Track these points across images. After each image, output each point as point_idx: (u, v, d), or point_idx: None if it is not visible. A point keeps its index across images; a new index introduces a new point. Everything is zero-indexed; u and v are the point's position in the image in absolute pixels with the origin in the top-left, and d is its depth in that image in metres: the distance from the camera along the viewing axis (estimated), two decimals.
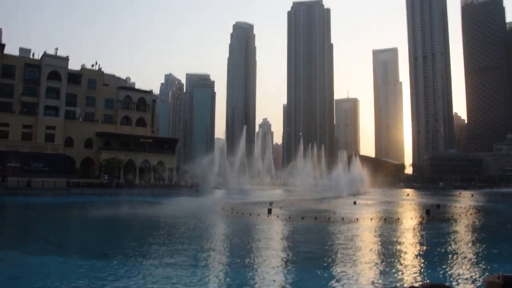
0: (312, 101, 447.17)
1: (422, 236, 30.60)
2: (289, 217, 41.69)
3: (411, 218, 43.01)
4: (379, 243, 26.47)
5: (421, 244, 26.75)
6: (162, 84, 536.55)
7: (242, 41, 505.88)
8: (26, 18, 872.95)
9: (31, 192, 74.08)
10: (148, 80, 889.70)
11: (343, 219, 40.47)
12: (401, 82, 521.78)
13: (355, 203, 65.56)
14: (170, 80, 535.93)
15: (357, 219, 40.65)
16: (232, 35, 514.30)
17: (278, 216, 42.23)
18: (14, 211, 50.67)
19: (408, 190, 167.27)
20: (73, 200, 65.34)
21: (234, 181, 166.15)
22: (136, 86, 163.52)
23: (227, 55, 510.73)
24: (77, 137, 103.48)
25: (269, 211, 45.82)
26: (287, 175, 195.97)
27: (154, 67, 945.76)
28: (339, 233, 30.86)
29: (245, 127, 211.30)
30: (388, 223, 37.95)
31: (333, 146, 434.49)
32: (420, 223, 38.75)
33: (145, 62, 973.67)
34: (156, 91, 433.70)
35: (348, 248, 24.17)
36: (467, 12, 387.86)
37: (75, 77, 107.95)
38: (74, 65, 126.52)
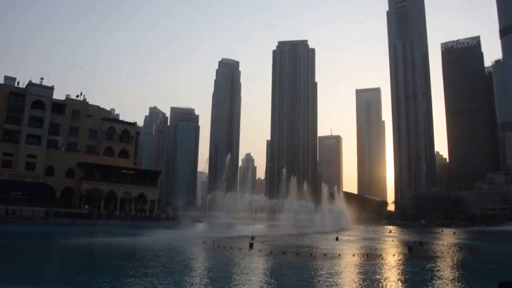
0: (296, 137, 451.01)
1: (404, 273, 30.37)
2: (271, 252, 41.12)
3: (393, 255, 42.73)
4: (361, 280, 26.15)
5: (403, 281, 26.50)
6: (146, 116, 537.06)
7: (228, 77, 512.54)
8: (11, 46, 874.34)
9: (8, 221, 72.10)
10: (132, 112, 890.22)
11: (325, 255, 39.95)
12: (384, 121, 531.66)
13: (337, 239, 65.07)
14: (154, 113, 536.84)
15: (339, 255, 40.16)
16: (217, 71, 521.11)
17: (259, 251, 41.59)
18: None
19: (391, 227, 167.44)
20: (51, 230, 63.77)
21: (215, 215, 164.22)
22: (120, 118, 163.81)
23: (212, 90, 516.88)
24: (58, 166, 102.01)
25: (251, 245, 45.13)
26: (270, 211, 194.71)
27: (139, 100, 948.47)
28: (321, 269, 30.41)
29: (227, 159, 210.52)
30: (370, 260, 37.59)
31: (316, 181, 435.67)
32: (403, 260, 38.46)
33: (129, 94, 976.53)
34: (140, 123, 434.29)
35: (328, 285, 23.81)
36: (447, 56, 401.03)
37: (60, 106, 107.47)
38: (59, 95, 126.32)
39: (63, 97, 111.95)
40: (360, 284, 24.29)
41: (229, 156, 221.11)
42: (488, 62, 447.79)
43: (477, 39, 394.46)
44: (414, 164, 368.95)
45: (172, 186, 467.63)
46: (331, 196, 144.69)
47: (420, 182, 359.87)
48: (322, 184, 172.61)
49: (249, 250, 42.21)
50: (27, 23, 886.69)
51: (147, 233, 66.88)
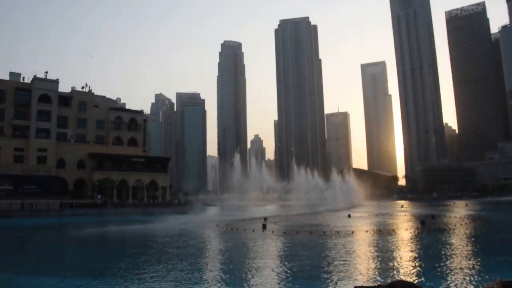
0: (303, 116, 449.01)
1: (418, 247, 30.42)
2: (284, 232, 41.38)
3: (406, 230, 42.85)
4: (376, 256, 26.21)
5: (417, 255, 26.56)
6: (152, 104, 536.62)
7: (231, 59, 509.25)
8: (12, 41, 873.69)
9: (24, 214, 73.18)
10: (139, 100, 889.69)
11: (338, 232, 40.14)
12: (390, 95, 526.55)
13: (349, 216, 65.28)
14: (160, 99, 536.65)
15: (352, 232, 40.35)
16: (220, 53, 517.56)
17: (273, 231, 41.89)
18: (8, 233, 49.90)
19: (402, 202, 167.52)
20: (67, 221, 64.61)
21: (227, 198, 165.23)
22: (127, 107, 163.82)
23: (216, 73, 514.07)
24: (69, 159, 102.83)
25: (264, 226, 45.49)
26: (281, 191, 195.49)
27: (144, 87, 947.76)
28: (335, 247, 30.52)
29: (238, 148, 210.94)
30: (384, 235, 37.71)
31: (325, 160, 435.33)
32: (416, 234, 38.57)
33: (134, 82, 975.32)
34: (147, 111, 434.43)
35: (344, 262, 23.91)
36: (452, 25, 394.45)
37: (66, 99, 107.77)
38: (63, 88, 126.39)
39: (68, 90, 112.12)
40: (375, 260, 24.36)
41: (236, 142, 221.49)
42: (494, 28, 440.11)
43: (482, 5, 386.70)
44: (423, 137, 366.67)
45: (182, 171, 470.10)
46: (341, 173, 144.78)
47: (430, 155, 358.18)
48: (332, 161, 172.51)
49: (263, 231, 42.48)
50: (18, 15, 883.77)
51: (160, 219, 67.52)
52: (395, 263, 23.27)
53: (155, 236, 42.36)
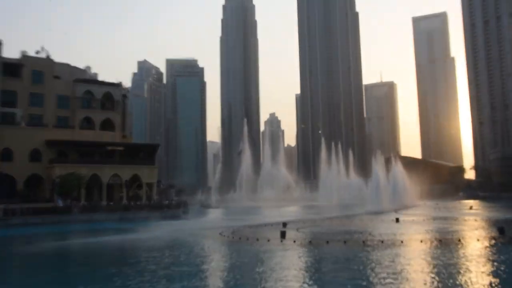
0: (334, 88, 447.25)
1: (496, 265, 29.66)
2: (310, 242, 41.43)
3: (478, 240, 42.03)
4: (435, 276, 25.48)
5: (496, 277, 25.77)
6: (134, 74, 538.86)
7: (239, 14, 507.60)
8: None
9: None
10: (116, 69, 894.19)
11: (382, 242, 39.87)
12: (453, 58, 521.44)
13: (397, 220, 65.28)
14: (145, 68, 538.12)
15: (402, 241, 40.04)
16: (224, 7, 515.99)
17: (294, 241, 41.72)
18: None
19: (471, 202, 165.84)
20: (13, 233, 64.25)
21: (234, 197, 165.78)
22: (100, 78, 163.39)
23: (219, 33, 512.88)
24: (18, 148, 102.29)
25: (283, 234, 45.21)
26: (306, 188, 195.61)
27: (124, 53, 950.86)
28: (379, 262, 30.02)
29: (245, 127, 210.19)
30: (445, 247, 37.10)
31: (364, 146, 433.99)
32: (491, 247, 37.86)
33: (111, 47, 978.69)
34: (127, 83, 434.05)
35: (392, 285, 23.30)
36: None
37: (14, 67, 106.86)
38: (10, 52, 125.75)
39: (17, 55, 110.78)
40: (436, 283, 23.66)
41: (246, 123, 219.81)
42: None
43: None
44: (500, 113, 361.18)
45: (175, 163, 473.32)
46: (386, 163, 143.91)
47: (509, 138, 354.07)
48: (373, 148, 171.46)
49: (281, 241, 42.40)
50: None
51: (145, 227, 67.59)
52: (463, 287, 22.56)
53: (137, 250, 42.23)
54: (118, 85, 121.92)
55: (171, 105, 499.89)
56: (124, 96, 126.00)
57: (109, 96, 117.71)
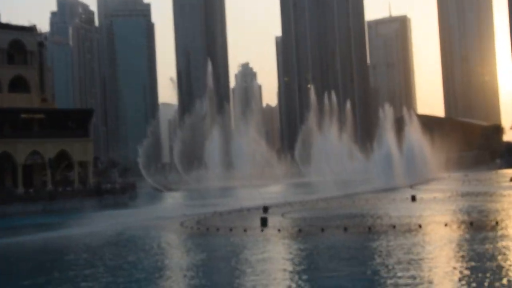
0: (327, 27, 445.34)
1: None
2: (299, 230, 41.77)
3: None
4: (472, 274, 25.32)
5: None
6: (53, 13, 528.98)
7: None
8: None
9: None
10: (26, 9, 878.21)
11: (394, 227, 40.30)
12: None
13: (414, 198, 65.82)
14: (68, 5, 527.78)
15: (420, 226, 40.51)
16: None
17: (279, 230, 42.11)
18: None
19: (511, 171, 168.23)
20: None
21: (199, 176, 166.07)
22: (2, 20, 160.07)
23: None
24: None
25: (264, 221, 45.52)
26: (293, 158, 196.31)
27: None
28: (389, 254, 30.09)
29: (209, 71, 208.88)
30: (477, 233, 37.42)
31: (368, 102, 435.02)
32: None
33: None
34: (44, 26, 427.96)
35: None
36: None
37: None
38: None
39: None
40: (474, 284, 23.35)
41: (210, 67, 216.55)
42: None
43: None
44: None
45: (117, 133, 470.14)
46: (398, 124, 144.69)
47: None
48: (379, 104, 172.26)
49: (262, 231, 42.80)
50: None
51: (78, 220, 67.29)
52: None
53: (68, 251, 41.69)
54: (31, 30, 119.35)
55: (107, 56, 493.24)
56: (41, 44, 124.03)
57: (19, 45, 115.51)
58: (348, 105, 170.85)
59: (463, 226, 40.54)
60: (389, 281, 23.69)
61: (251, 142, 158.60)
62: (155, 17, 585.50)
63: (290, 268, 29.31)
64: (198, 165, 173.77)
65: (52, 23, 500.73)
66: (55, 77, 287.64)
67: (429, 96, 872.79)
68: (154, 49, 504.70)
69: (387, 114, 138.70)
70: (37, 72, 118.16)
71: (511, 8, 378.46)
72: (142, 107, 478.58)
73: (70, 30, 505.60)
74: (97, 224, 60.38)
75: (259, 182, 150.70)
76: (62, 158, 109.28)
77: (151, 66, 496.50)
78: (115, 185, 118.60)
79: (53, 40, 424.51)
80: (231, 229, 44.04)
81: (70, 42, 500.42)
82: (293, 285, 25.29)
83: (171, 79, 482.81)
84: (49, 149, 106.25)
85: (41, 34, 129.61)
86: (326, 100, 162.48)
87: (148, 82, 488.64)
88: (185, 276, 29.31)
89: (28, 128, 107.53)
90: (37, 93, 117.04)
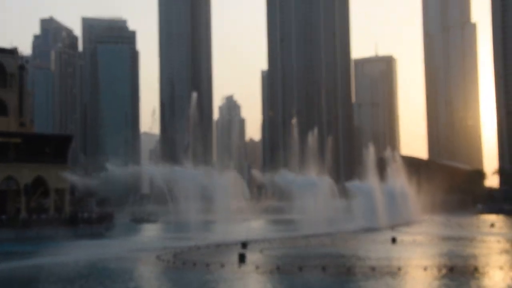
0: (313, 63, 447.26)
1: None
2: (278, 268, 41.67)
3: (501, 268, 42.88)
4: None
5: None
6: (36, 37, 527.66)
7: None
8: None
9: None
10: (8, 31, 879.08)
11: (373, 269, 40.20)
12: (474, 24, 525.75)
13: (394, 240, 66.19)
14: (51, 29, 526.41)
15: (399, 269, 40.56)
16: None
17: (257, 267, 41.95)
18: None
19: (493, 217, 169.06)
20: None
21: (178, 209, 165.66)
22: None
23: None
24: None
25: (242, 258, 45.46)
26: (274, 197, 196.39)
27: (19, 8, 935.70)
28: None
29: (193, 101, 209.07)
30: (458, 278, 37.71)
31: (352, 141, 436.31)
32: None
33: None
34: (26, 49, 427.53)
35: None
36: None
37: None
38: None
39: None
40: None
41: (195, 96, 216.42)
42: None
43: None
44: None
45: (96, 162, 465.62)
46: (381, 164, 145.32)
47: None
48: (363, 144, 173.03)
49: (239, 267, 42.82)
50: None
51: (51, 249, 66.59)
52: None
53: (35, 283, 41.27)
54: (12, 52, 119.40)
55: (89, 82, 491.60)
56: (22, 67, 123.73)
57: None
58: (330, 142, 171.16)
59: (442, 271, 40.56)
60: None
61: (232, 176, 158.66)
62: (140, 45, 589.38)
63: None
64: (179, 198, 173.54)
65: (35, 47, 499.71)
66: (35, 101, 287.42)
67: (413, 137, 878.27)
68: (138, 77, 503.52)
69: (370, 153, 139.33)
70: (17, 95, 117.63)
71: (496, 54, 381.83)
72: (123, 136, 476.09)
73: (53, 55, 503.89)
74: (70, 254, 59.85)
75: (239, 216, 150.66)
76: (38, 185, 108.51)
77: (134, 94, 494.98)
78: (91, 215, 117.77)
79: (35, 64, 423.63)
80: (207, 265, 43.84)
81: (52, 67, 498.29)
82: None
83: (153, 111, 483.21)
84: (25, 174, 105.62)
85: (22, 57, 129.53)
86: (310, 137, 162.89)
87: (131, 110, 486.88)
88: None
89: (4, 152, 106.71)
90: (15, 116, 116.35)
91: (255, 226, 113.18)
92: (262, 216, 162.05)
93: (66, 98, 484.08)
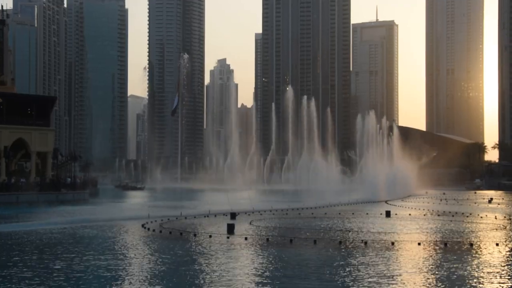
0: (310, 28, 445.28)
1: None
2: (267, 240, 42.08)
3: (497, 244, 42.98)
4: None
5: None
6: None
7: None
8: None
9: None
10: None
11: (365, 243, 40.65)
12: None
13: (388, 214, 66.74)
14: None
15: (393, 243, 40.84)
16: None
17: (246, 238, 42.41)
18: None
19: (491, 192, 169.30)
20: None
21: (166, 176, 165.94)
22: None
23: None
24: None
25: (230, 228, 45.99)
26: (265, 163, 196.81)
27: None
28: (358, 275, 29.91)
29: (184, 60, 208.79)
30: (451, 253, 37.74)
31: (348, 110, 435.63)
32: None
33: None
34: (7, 3, 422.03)
35: None
36: None
37: None
38: None
39: None
40: None
41: (185, 57, 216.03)
42: None
43: None
44: None
45: (81, 124, 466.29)
46: (378, 135, 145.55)
47: None
48: (361, 113, 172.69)
49: (228, 238, 43.03)
50: None
51: (30, 214, 66.91)
52: None
53: (9, 249, 40.66)
54: None
55: (75, 41, 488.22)
56: (2, 22, 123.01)
57: None
58: (328, 113, 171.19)
59: (436, 246, 40.76)
60: None
61: (223, 144, 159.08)
62: (129, 3, 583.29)
63: (251, 279, 29.10)
64: (167, 164, 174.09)
65: (16, 1, 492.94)
66: (16, 59, 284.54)
67: (411, 107, 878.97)
68: (126, 37, 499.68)
69: (365, 124, 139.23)
70: None
71: (502, 24, 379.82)
72: (110, 98, 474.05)
73: (36, 10, 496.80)
74: (49, 220, 60.06)
75: (230, 186, 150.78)
76: (19, 147, 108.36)
77: (122, 56, 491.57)
78: (75, 180, 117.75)
79: (16, 19, 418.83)
80: (195, 234, 44.41)
81: (35, 23, 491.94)
82: None
83: (144, 68, 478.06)
84: (5, 136, 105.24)
85: (3, 11, 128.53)
86: (304, 106, 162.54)
87: (118, 71, 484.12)
88: (127, 283, 28.22)
89: None
90: None
91: (246, 196, 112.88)
92: (255, 186, 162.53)
93: (50, 57, 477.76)
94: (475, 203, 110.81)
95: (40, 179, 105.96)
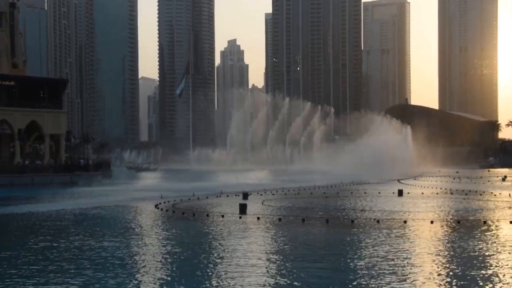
0: (320, 7, 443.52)
1: None
2: (279, 219, 42.03)
3: (511, 222, 42.88)
4: (456, 275, 25.42)
5: None
6: None
7: None
8: None
9: None
10: None
11: (378, 221, 40.72)
12: None
13: (400, 193, 66.45)
14: None
15: (405, 221, 40.89)
16: None
17: (258, 218, 42.52)
18: None
19: (505, 170, 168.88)
20: None
21: (179, 157, 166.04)
22: None
23: None
24: None
25: (243, 208, 46.14)
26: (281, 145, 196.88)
27: None
28: (370, 251, 29.93)
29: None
30: (465, 231, 37.61)
31: (360, 89, 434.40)
32: None
33: None
34: None
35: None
36: None
37: None
38: None
39: None
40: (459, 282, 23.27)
41: (193, 50, 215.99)
42: None
43: None
44: None
45: (93, 107, 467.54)
46: (390, 113, 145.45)
47: None
48: (371, 93, 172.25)
49: (240, 218, 43.08)
50: None
51: (45, 196, 67.22)
52: None
53: (14, 230, 41.38)
54: None
55: (85, 23, 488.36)
56: (13, 5, 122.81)
57: None
58: (341, 94, 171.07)
59: (450, 224, 40.90)
60: (368, 276, 23.77)
61: (235, 125, 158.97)
62: None
63: (264, 257, 29.14)
64: (180, 146, 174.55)
65: None
66: (27, 42, 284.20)
67: (424, 86, 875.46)
68: (137, 19, 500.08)
69: (377, 103, 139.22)
70: (7, 35, 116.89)
71: None
72: (121, 81, 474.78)
73: None
74: (64, 202, 60.53)
75: (242, 167, 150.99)
76: (32, 130, 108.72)
77: (133, 37, 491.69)
78: (88, 162, 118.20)
79: (26, 2, 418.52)
80: (207, 214, 44.63)
81: (46, 6, 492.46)
82: (266, 275, 25.14)
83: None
84: (18, 119, 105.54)
85: None
86: (315, 86, 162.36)
87: (129, 54, 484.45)
88: (149, 263, 28.16)
89: None
90: (7, 57, 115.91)
91: (259, 176, 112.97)
92: (268, 166, 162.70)
93: (61, 40, 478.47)
94: (489, 181, 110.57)
95: (54, 161, 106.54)
